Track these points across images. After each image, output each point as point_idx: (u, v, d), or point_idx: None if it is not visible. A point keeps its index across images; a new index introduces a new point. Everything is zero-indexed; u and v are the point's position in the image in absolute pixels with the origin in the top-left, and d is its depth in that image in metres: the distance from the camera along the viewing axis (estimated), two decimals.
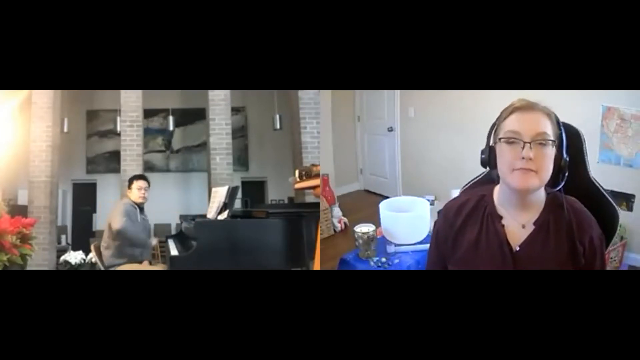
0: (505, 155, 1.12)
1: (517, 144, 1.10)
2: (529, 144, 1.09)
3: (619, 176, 3.08)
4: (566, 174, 1.14)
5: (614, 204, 1.26)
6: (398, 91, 4.88)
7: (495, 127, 1.18)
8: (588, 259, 1.12)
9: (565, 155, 1.14)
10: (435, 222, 1.34)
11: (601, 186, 1.28)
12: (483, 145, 1.22)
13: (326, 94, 4.82)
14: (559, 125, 1.15)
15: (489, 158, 1.17)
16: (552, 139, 1.11)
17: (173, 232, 6.57)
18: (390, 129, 5.13)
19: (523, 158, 1.08)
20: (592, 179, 1.28)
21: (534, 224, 1.15)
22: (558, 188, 1.15)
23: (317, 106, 5.49)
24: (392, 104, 5.06)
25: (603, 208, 1.25)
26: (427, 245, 2.59)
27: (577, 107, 2.88)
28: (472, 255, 1.19)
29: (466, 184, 1.39)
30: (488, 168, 1.20)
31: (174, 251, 3.11)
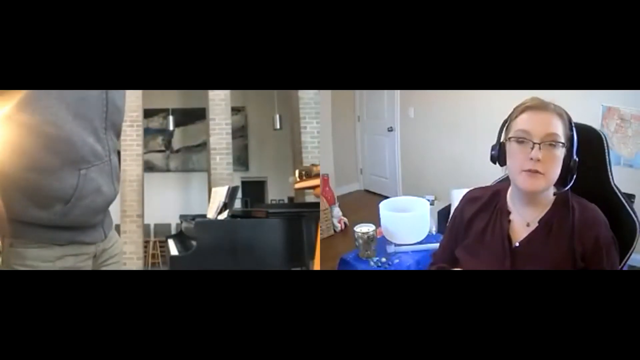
0: (514, 155, 1.13)
1: (526, 144, 1.10)
2: (538, 145, 1.08)
3: (619, 176, 3.07)
4: (574, 175, 1.13)
5: (635, 215, 1.21)
6: (398, 91, 4.88)
7: (506, 125, 1.18)
8: (590, 261, 1.11)
9: (574, 156, 1.13)
10: (455, 208, 1.37)
11: (623, 195, 1.23)
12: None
13: (326, 94, 4.82)
14: (571, 126, 1.14)
15: (499, 155, 1.18)
16: (562, 141, 1.11)
17: (173, 232, 6.58)
18: (390, 129, 5.13)
19: (531, 159, 1.08)
20: (614, 186, 1.24)
21: (538, 222, 1.16)
22: (566, 189, 1.14)
23: (317, 106, 5.50)
24: (392, 104, 5.06)
25: (621, 219, 1.21)
26: (427, 245, 2.62)
27: (577, 107, 2.88)
28: (476, 245, 1.22)
29: (494, 181, 1.41)
30: (498, 164, 1.21)
31: (174, 251, 3.11)
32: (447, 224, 1.38)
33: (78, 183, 1.07)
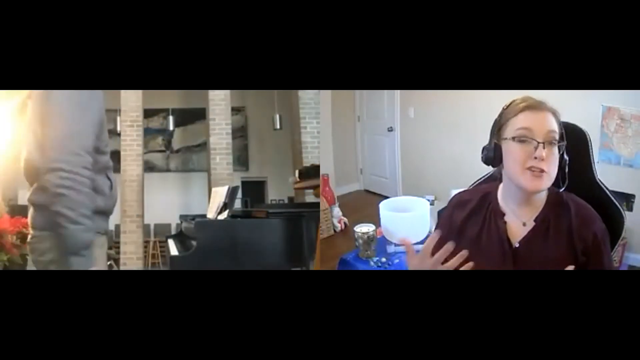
0: (516, 155, 1.12)
1: (529, 143, 1.10)
2: (542, 144, 1.08)
3: (619, 176, 3.08)
4: (566, 172, 1.14)
5: (621, 208, 1.24)
6: (398, 91, 4.88)
7: (500, 125, 1.17)
8: (591, 255, 1.12)
9: (565, 156, 1.14)
10: (441, 214, 1.36)
11: (608, 189, 1.26)
12: (483, 146, 1.22)
13: (326, 94, 4.82)
14: (561, 125, 1.16)
15: (494, 156, 1.17)
16: (559, 139, 1.12)
17: (173, 232, 6.59)
18: (390, 129, 5.13)
19: (536, 158, 1.08)
20: (599, 181, 1.27)
21: (535, 221, 1.16)
22: (562, 189, 1.15)
23: (317, 106, 5.50)
24: (392, 104, 5.06)
25: (609, 212, 1.23)
26: None
27: (577, 107, 2.88)
28: (473, 250, 1.20)
29: (474, 182, 1.40)
30: (491, 166, 1.20)
31: (174, 251, 3.11)
32: (435, 229, 1.36)
33: (109, 176, 1.39)
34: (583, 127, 1.29)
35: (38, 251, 1.30)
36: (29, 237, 1.32)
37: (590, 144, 1.27)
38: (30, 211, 1.32)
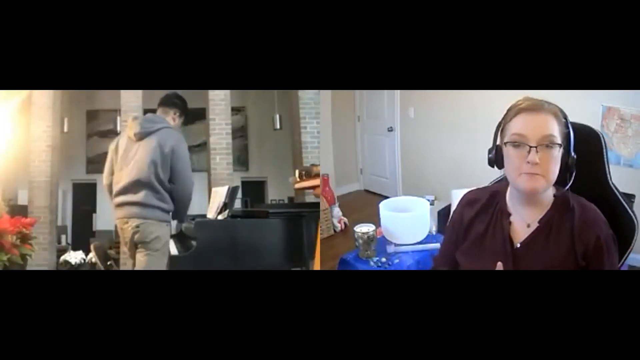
0: (511, 159, 1.12)
1: (523, 148, 1.09)
2: (535, 148, 1.08)
3: (619, 176, 3.06)
4: (574, 172, 1.13)
5: (633, 214, 1.21)
6: (398, 91, 4.87)
7: (501, 127, 1.17)
8: (591, 259, 1.11)
9: (572, 154, 1.13)
10: (451, 212, 1.36)
11: (621, 194, 1.23)
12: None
13: (326, 94, 4.81)
14: (566, 123, 1.14)
15: (496, 158, 1.17)
16: (558, 142, 1.10)
17: (173, 232, 6.58)
18: (390, 129, 5.13)
19: (529, 162, 1.08)
20: (612, 185, 1.24)
21: (539, 222, 1.16)
22: (566, 188, 1.14)
23: (317, 106, 5.49)
24: (392, 104, 5.06)
25: (618, 215, 1.20)
26: (427, 245, 2.62)
27: (577, 107, 2.87)
28: (477, 248, 1.21)
29: (494, 180, 1.40)
30: (496, 167, 1.20)
31: (174, 251, 3.10)
32: (447, 228, 1.37)
33: None
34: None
35: (147, 231, 2.08)
36: (135, 225, 2.09)
37: (604, 147, 1.24)
38: (140, 210, 2.09)
